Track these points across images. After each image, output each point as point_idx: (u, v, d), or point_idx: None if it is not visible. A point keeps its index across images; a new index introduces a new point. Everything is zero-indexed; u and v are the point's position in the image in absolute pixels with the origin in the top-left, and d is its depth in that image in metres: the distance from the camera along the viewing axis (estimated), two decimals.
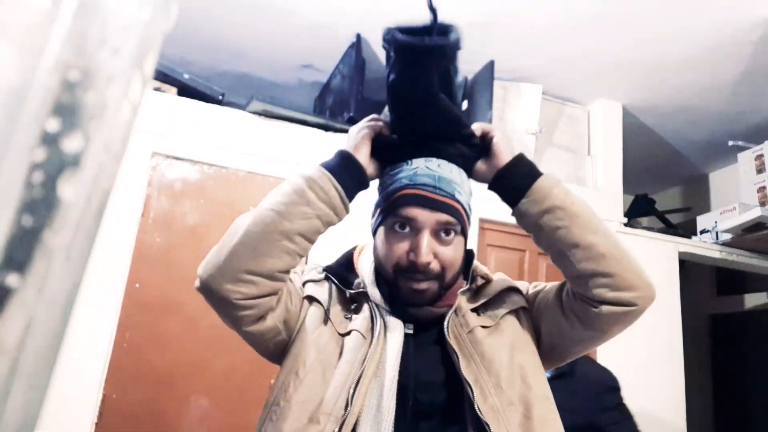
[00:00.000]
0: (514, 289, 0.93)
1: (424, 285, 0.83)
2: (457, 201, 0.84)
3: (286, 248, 0.78)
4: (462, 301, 0.89)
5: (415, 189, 0.82)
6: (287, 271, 0.80)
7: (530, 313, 0.91)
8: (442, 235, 0.83)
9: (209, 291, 0.78)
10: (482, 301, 0.89)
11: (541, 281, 0.97)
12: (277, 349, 0.87)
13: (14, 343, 0.20)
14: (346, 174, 0.82)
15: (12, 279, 0.20)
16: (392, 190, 0.84)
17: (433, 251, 0.82)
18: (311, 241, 0.81)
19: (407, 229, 0.83)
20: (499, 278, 0.95)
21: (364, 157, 0.85)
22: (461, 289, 0.90)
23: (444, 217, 0.82)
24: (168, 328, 2.12)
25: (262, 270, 0.77)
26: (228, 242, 0.78)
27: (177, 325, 2.12)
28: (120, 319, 2.07)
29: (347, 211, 0.83)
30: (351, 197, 0.83)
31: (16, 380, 0.20)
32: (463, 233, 0.87)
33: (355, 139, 0.86)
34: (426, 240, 0.81)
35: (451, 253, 0.84)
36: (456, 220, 0.83)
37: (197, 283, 0.80)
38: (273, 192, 0.83)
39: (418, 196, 0.82)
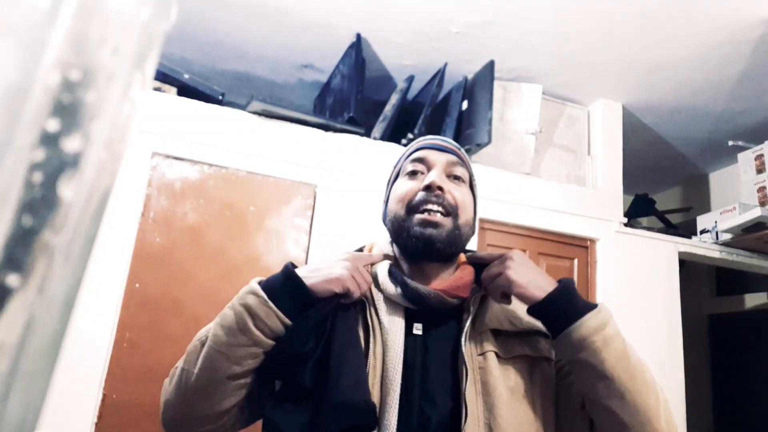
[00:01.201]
0: (545, 336, 0.85)
1: (438, 216, 0.83)
2: (463, 154, 0.92)
3: (238, 385, 0.77)
4: (483, 314, 0.83)
5: (426, 140, 0.93)
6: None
7: (553, 368, 0.85)
8: (454, 177, 0.88)
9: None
10: (507, 328, 0.83)
11: None
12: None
13: (14, 343, 0.20)
14: (290, 299, 0.76)
15: (12, 279, 0.20)
16: (406, 150, 0.94)
17: (446, 186, 0.86)
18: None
19: (419, 173, 0.88)
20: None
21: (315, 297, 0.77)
22: (476, 295, 0.85)
23: (453, 158, 0.89)
24: (168, 328, 2.12)
25: (219, 410, 0.77)
26: (182, 389, 0.77)
27: (177, 325, 2.12)
28: (120, 319, 2.07)
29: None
30: (296, 317, 0.77)
31: (16, 380, 0.20)
32: (471, 188, 0.91)
33: (323, 277, 0.77)
34: (439, 170, 0.87)
35: (462, 194, 0.87)
36: (463, 165, 0.90)
37: (162, 421, 0.81)
38: (219, 325, 0.77)
39: (429, 143, 0.91)
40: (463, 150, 0.93)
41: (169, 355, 2.09)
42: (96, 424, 1.97)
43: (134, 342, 2.08)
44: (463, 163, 0.90)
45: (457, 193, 0.86)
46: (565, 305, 0.74)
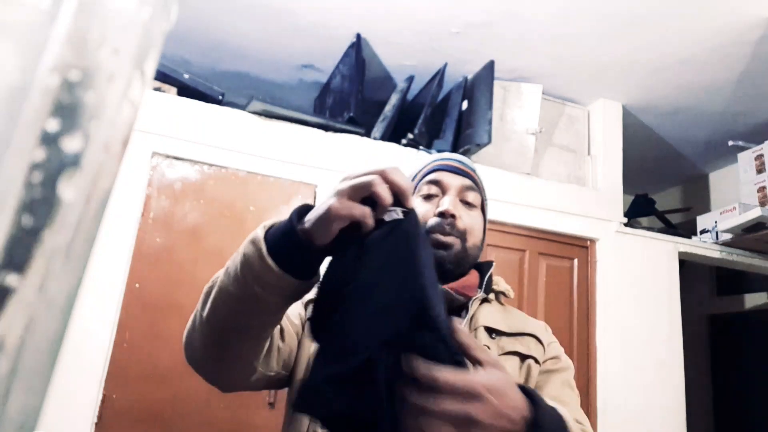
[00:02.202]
0: (539, 340, 0.88)
1: (450, 238, 0.87)
2: (477, 177, 0.95)
3: (249, 338, 0.71)
4: (481, 314, 0.88)
5: (442, 161, 0.95)
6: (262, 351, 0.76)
7: (538, 370, 0.86)
8: (466, 202, 0.91)
9: (199, 373, 0.78)
10: (501, 328, 0.87)
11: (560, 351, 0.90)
12: (282, 383, 0.86)
13: (14, 343, 0.20)
14: (289, 251, 0.61)
15: (12, 279, 0.20)
16: (422, 167, 0.97)
17: (458, 211, 0.89)
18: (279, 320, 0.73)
19: (434, 196, 0.92)
20: (537, 324, 0.92)
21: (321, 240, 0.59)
22: (476, 296, 0.89)
23: (467, 181, 0.92)
24: (168, 328, 2.12)
25: (230, 362, 0.73)
26: (194, 333, 0.73)
27: (177, 324, 2.12)
28: (120, 319, 2.07)
29: (314, 280, 0.64)
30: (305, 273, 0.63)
31: (16, 380, 0.20)
32: (483, 212, 0.95)
33: (321, 217, 0.58)
34: (452, 196, 0.90)
35: (472, 219, 0.91)
36: (477, 188, 0.93)
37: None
38: (226, 269, 0.67)
39: (445, 164, 0.94)
40: (477, 171, 0.96)
41: (169, 355, 2.09)
42: (96, 424, 1.97)
43: (134, 342, 2.08)
44: (476, 187, 0.94)
45: (467, 218, 0.90)
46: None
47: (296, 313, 0.89)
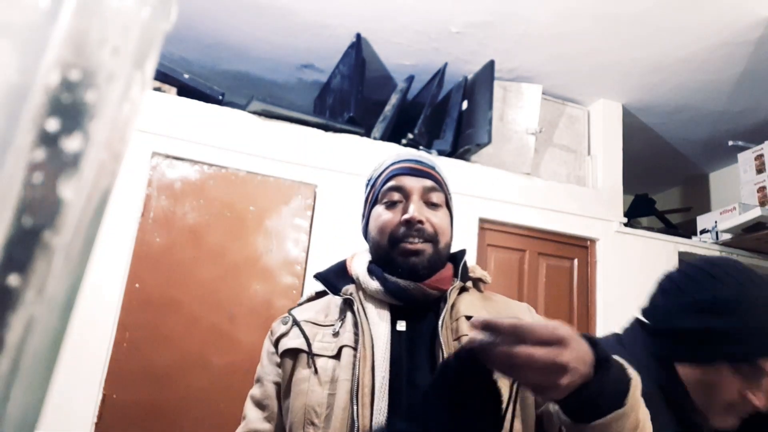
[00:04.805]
0: None
1: (420, 245, 0.86)
2: (438, 173, 0.93)
3: None
4: (461, 303, 0.87)
5: (400, 163, 0.93)
6: None
7: None
8: (430, 204, 0.90)
9: None
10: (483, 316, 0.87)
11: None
12: None
13: (14, 343, 0.20)
14: None
15: (12, 279, 0.20)
16: (381, 172, 0.95)
17: (424, 215, 0.88)
18: None
19: (397, 202, 0.90)
20: (519, 306, 0.92)
21: None
22: (453, 286, 0.88)
23: (429, 182, 0.91)
24: (168, 328, 2.12)
25: None
26: None
27: (177, 324, 2.12)
28: (120, 319, 2.07)
29: None
30: None
31: (16, 380, 0.20)
32: (448, 208, 0.94)
33: None
34: (416, 203, 0.88)
35: (440, 219, 0.90)
36: (439, 187, 0.92)
37: None
38: None
39: (404, 167, 0.92)
40: (437, 167, 0.95)
41: (170, 354, 2.09)
42: (96, 424, 1.97)
43: (134, 342, 2.08)
44: (439, 186, 0.92)
45: (435, 219, 0.89)
46: (597, 397, 0.59)
47: (272, 377, 0.90)
